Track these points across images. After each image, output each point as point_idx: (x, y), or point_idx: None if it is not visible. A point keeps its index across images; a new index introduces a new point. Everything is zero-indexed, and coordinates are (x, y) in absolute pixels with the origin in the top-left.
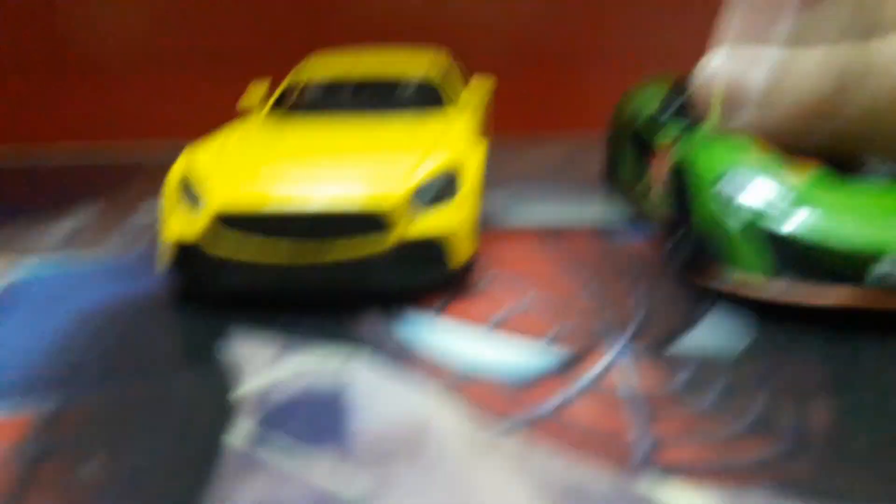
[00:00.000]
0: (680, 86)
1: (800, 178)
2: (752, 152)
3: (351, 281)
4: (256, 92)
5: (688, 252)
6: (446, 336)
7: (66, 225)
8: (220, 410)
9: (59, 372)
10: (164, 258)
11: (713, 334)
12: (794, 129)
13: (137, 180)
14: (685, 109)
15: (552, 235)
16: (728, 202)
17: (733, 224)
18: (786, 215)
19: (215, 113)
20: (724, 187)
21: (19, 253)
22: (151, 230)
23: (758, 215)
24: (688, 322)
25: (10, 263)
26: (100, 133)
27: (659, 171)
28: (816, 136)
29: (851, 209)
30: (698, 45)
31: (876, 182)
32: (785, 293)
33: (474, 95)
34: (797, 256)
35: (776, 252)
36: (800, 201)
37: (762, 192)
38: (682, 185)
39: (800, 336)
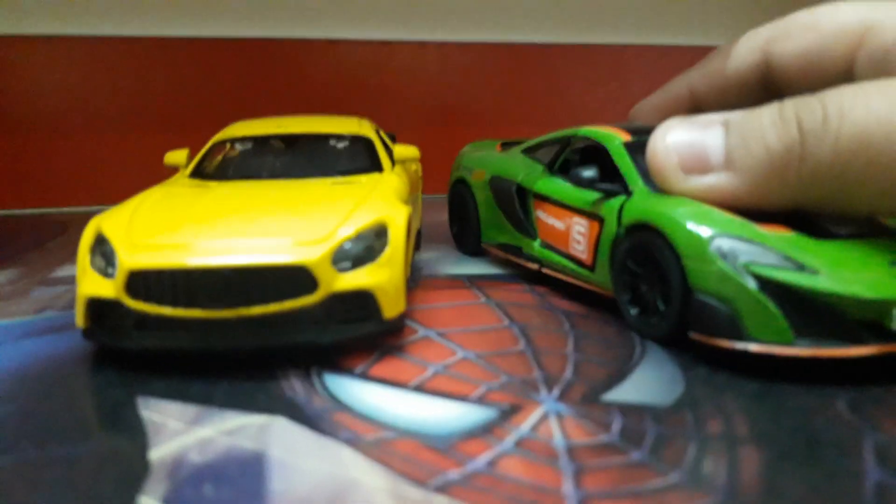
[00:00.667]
0: (579, 146)
1: (781, 236)
2: (722, 212)
3: (279, 335)
4: (177, 156)
5: (673, 315)
6: (373, 395)
7: None
8: (134, 473)
9: None
10: (80, 314)
11: (647, 383)
12: (762, 189)
13: (56, 242)
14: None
15: (486, 287)
16: (734, 260)
17: (749, 282)
18: (799, 269)
19: (134, 180)
20: (723, 246)
21: None
22: (69, 289)
23: (772, 271)
24: (622, 371)
25: None
26: (19, 199)
27: (568, 232)
28: (786, 191)
29: (848, 262)
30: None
31: (847, 238)
32: (816, 349)
33: (401, 159)
34: (820, 308)
35: (797, 306)
36: (801, 257)
37: (760, 249)
38: (648, 247)
39: (728, 386)
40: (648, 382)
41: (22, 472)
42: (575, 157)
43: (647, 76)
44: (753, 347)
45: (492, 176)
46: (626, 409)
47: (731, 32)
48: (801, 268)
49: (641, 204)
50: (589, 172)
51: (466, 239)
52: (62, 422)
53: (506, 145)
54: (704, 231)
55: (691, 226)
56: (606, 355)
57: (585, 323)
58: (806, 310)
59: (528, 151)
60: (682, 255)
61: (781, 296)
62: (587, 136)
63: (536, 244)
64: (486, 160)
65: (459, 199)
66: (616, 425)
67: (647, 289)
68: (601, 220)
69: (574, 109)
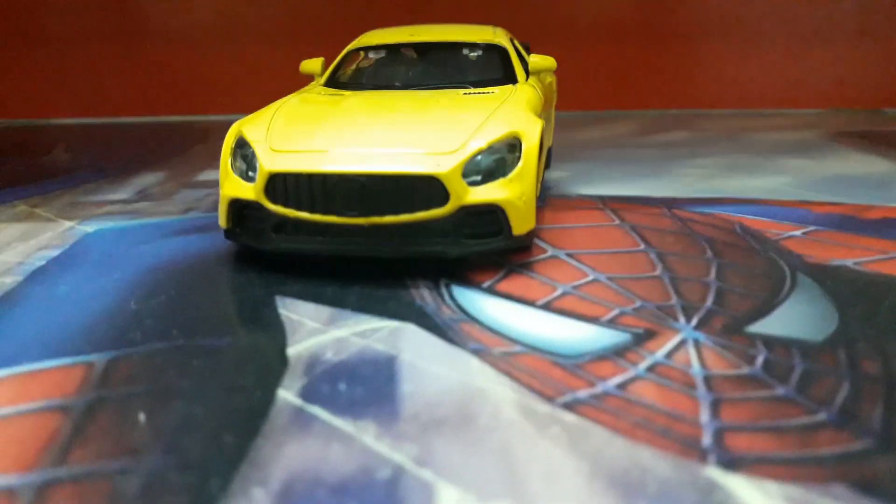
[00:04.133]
0: None
1: None
2: None
3: (409, 245)
4: (312, 65)
5: None
6: (501, 310)
7: (133, 185)
8: (273, 367)
9: (118, 325)
10: (223, 215)
11: (796, 317)
12: None
13: (199, 148)
14: None
15: (621, 209)
16: None
17: None
18: None
19: (272, 89)
20: None
21: (89, 210)
22: (211, 192)
23: None
24: (769, 303)
25: (80, 219)
26: (166, 106)
27: None
28: None
29: None
30: None
31: None
32: None
33: (536, 70)
34: None
35: None
36: None
37: None
38: None
39: (890, 327)
40: (798, 316)
41: (173, 357)
42: None
43: None
44: None
45: None
46: (772, 343)
47: None
48: None
49: None
50: None
51: None
52: (208, 315)
53: None
54: None
55: None
56: (752, 286)
57: (730, 251)
58: None
59: None
60: None
61: None
62: None
63: None
64: None
65: None
66: (760, 358)
67: None
68: None
69: (724, 24)
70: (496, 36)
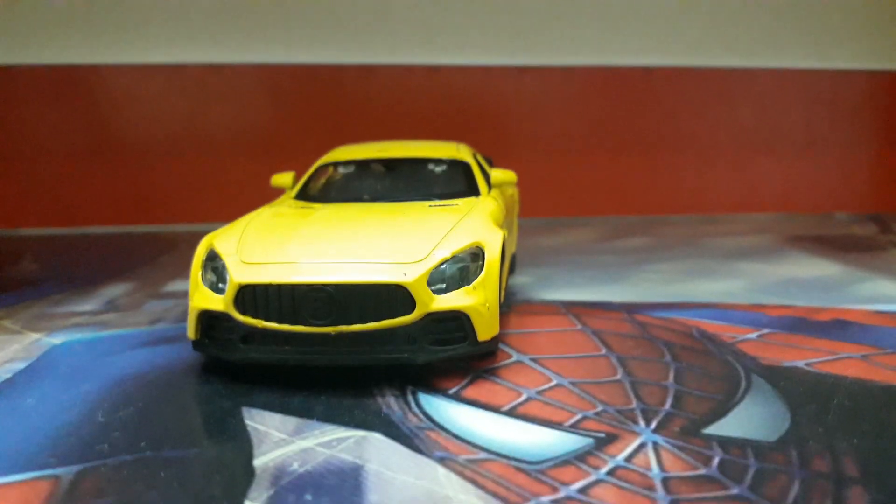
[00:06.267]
0: None
1: None
2: None
3: (376, 353)
4: (283, 178)
5: None
6: (466, 417)
7: (101, 296)
8: (239, 478)
9: (85, 437)
10: (191, 327)
11: (750, 418)
12: None
13: (167, 258)
14: None
15: (583, 314)
16: None
17: None
18: None
19: (241, 200)
20: None
21: (57, 321)
22: (179, 303)
23: None
24: (725, 405)
25: (48, 331)
26: (136, 216)
27: None
28: None
29: None
30: None
31: None
32: None
33: (497, 183)
34: None
35: None
36: None
37: None
38: None
39: (839, 425)
40: (752, 417)
41: (140, 470)
42: None
43: (756, 101)
44: None
45: None
46: (727, 444)
47: (849, 54)
48: None
49: None
50: None
51: None
52: (175, 427)
53: None
54: None
55: None
56: (709, 388)
57: (688, 354)
58: None
59: None
60: None
61: None
62: None
63: None
64: None
65: None
66: (716, 459)
67: None
68: None
69: (679, 136)
70: (460, 152)
